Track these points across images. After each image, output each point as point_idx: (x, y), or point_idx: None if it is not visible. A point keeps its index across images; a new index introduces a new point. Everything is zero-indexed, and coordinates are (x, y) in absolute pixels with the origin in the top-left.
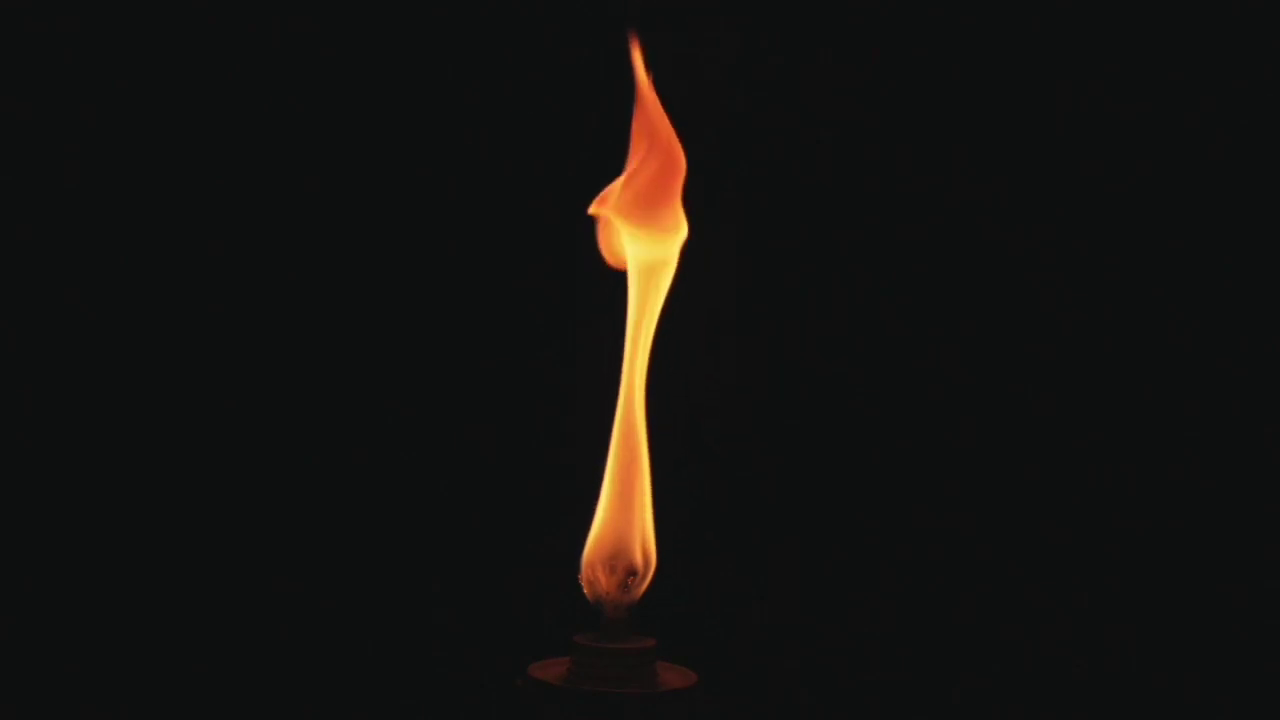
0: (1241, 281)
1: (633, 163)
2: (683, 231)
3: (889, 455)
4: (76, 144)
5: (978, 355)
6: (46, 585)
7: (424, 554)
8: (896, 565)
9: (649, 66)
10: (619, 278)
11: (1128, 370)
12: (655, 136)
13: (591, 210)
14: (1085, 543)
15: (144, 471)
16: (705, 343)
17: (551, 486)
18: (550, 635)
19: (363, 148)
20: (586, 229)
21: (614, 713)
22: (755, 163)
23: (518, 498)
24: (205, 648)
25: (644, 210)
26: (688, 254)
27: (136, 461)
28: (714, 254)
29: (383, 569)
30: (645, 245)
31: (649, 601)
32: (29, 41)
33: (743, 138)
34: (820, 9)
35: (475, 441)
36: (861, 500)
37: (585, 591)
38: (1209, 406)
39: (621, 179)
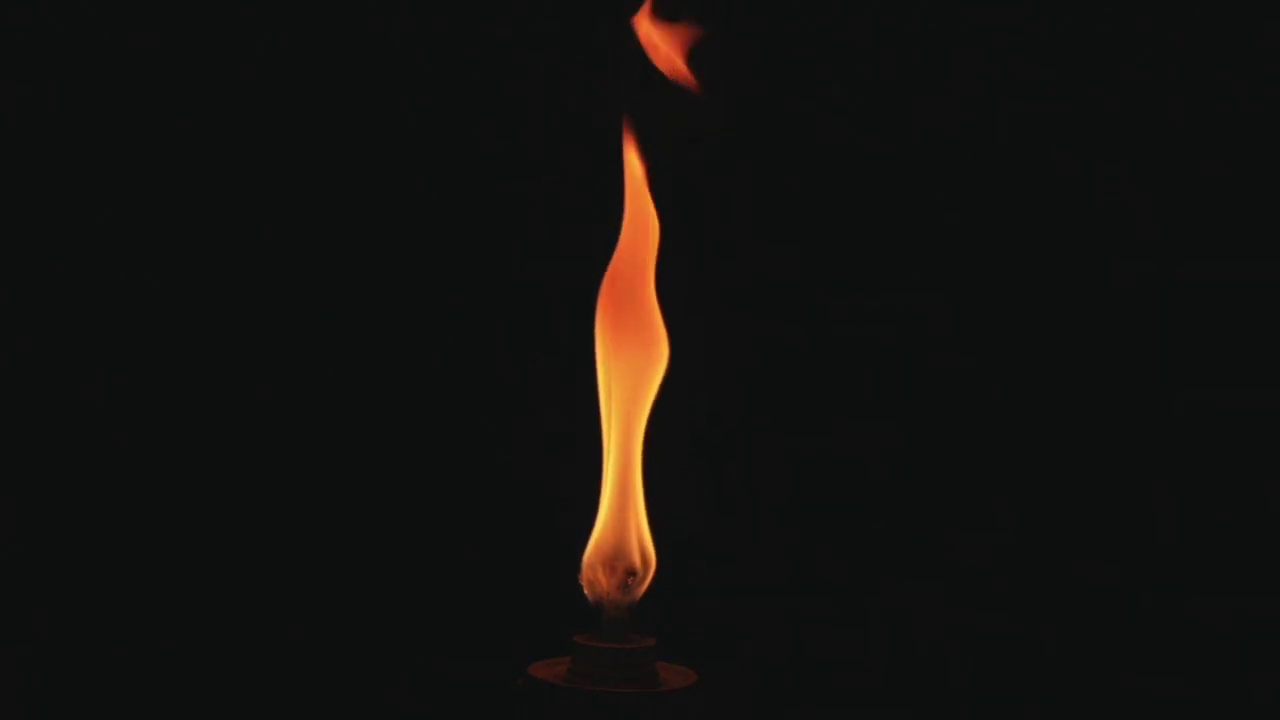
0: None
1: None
2: (663, 357)
3: (890, 454)
4: (76, 144)
5: (978, 354)
6: (47, 585)
7: (424, 554)
8: (898, 565)
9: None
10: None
11: (1131, 372)
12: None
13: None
14: (1084, 542)
15: (144, 473)
16: (704, 340)
17: (551, 486)
18: (550, 635)
19: (361, 148)
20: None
21: (614, 713)
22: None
23: (518, 498)
24: (206, 648)
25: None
26: (685, 250)
27: (136, 462)
28: (712, 252)
29: (383, 569)
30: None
31: (649, 601)
32: (29, 41)
33: (740, 146)
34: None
35: (475, 441)
36: (863, 499)
37: (585, 592)
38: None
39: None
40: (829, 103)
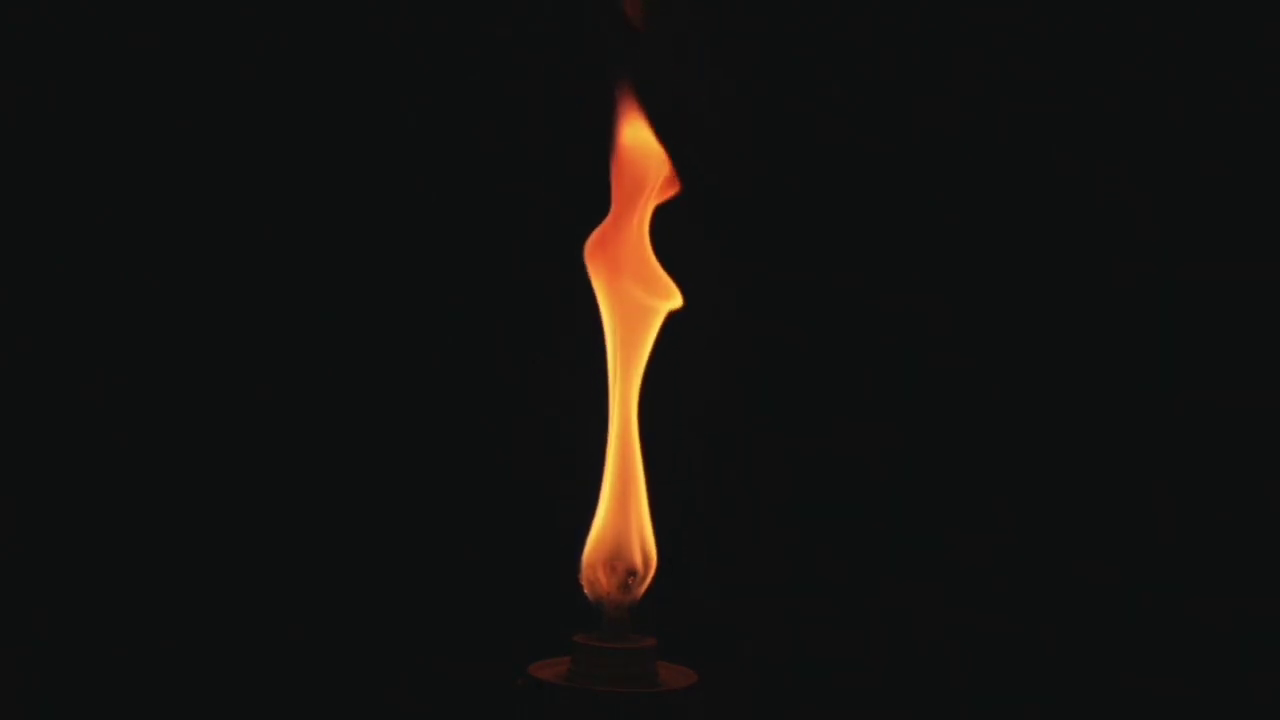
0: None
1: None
2: (675, 299)
3: (890, 454)
4: (76, 144)
5: (978, 354)
6: (47, 585)
7: (424, 554)
8: (898, 565)
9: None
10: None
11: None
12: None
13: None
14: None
15: (144, 473)
16: (703, 337)
17: (551, 486)
18: (550, 635)
19: (362, 148)
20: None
21: (614, 713)
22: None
23: (518, 498)
24: (206, 648)
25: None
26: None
27: (136, 462)
28: (710, 248)
29: (383, 569)
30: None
31: (649, 601)
32: (29, 41)
33: (735, 146)
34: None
35: (475, 441)
36: (863, 499)
37: (585, 591)
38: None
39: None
40: (829, 103)
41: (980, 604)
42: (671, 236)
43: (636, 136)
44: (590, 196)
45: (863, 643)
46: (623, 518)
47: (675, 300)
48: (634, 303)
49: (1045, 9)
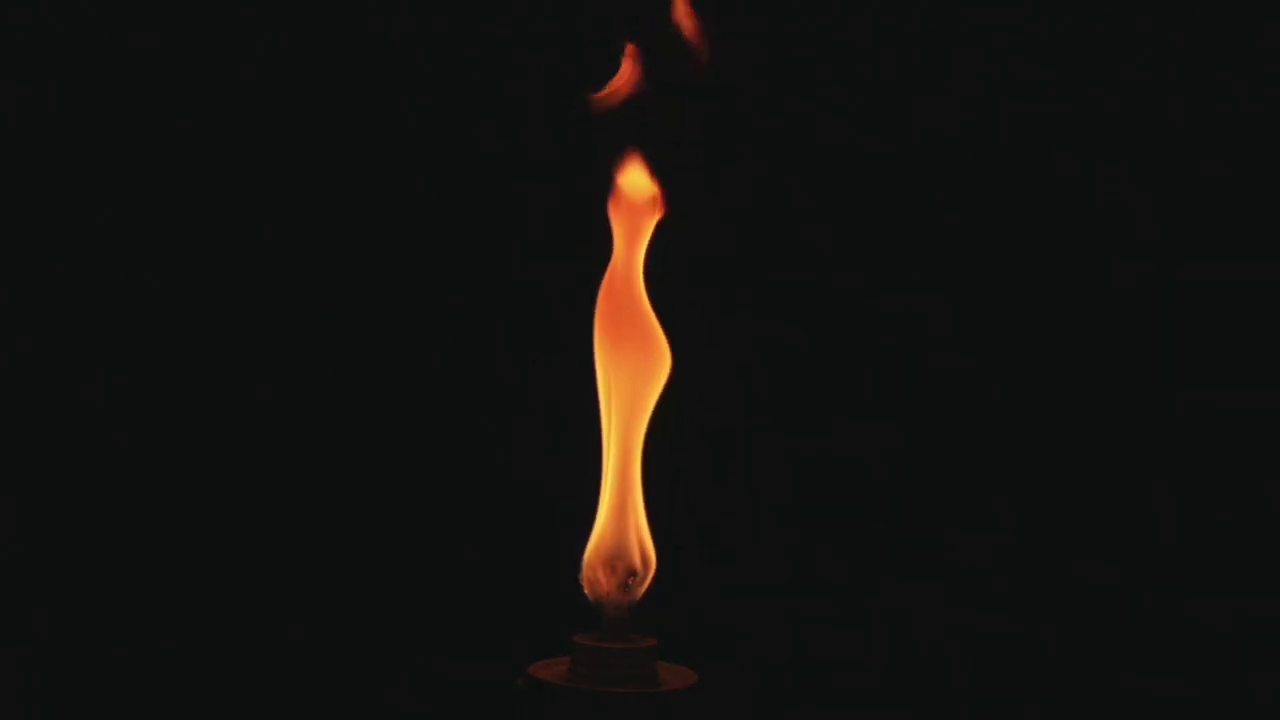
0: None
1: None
2: (665, 363)
3: (890, 454)
4: (76, 144)
5: (978, 354)
6: (47, 585)
7: (424, 554)
8: (898, 565)
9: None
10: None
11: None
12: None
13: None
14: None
15: (144, 473)
16: (703, 339)
17: (551, 486)
18: (550, 635)
19: (362, 148)
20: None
21: (614, 713)
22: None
23: (518, 498)
24: (206, 648)
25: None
26: (681, 248)
27: (136, 462)
28: (709, 245)
29: (383, 569)
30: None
31: (649, 601)
32: (29, 41)
33: (732, 131)
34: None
35: (475, 441)
36: (863, 499)
37: (586, 592)
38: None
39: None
40: (829, 103)
41: (980, 604)
42: (672, 237)
43: (632, 179)
44: (589, 197)
45: (863, 643)
46: (622, 518)
47: (664, 372)
48: (633, 376)
49: (1045, 9)
